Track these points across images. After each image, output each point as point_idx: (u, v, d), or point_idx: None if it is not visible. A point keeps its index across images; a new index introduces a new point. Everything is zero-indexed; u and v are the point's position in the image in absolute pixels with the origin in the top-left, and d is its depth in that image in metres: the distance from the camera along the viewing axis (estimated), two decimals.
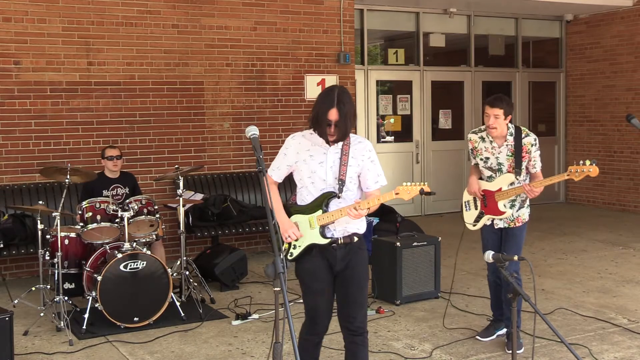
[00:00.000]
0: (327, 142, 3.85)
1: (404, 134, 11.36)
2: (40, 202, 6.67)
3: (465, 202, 5.51)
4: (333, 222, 3.87)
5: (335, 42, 9.44)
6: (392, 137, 11.35)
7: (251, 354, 5.24)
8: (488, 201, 5.31)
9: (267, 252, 8.91)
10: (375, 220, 8.43)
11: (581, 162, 4.92)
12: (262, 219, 8.28)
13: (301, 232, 3.91)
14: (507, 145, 5.23)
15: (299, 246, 3.94)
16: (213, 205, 8.07)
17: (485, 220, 5.36)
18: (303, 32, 9.21)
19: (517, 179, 5.22)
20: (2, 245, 6.91)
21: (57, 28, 7.82)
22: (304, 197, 3.95)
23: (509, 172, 5.24)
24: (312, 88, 9.29)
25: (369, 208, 3.82)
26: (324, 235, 3.90)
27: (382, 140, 11.18)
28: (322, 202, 3.88)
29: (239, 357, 5.21)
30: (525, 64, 12.42)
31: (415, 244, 6.54)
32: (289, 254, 3.99)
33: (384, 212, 8.81)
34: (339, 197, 3.88)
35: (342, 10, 9.44)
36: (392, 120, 11.29)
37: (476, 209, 5.42)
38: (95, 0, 7.98)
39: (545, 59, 12.85)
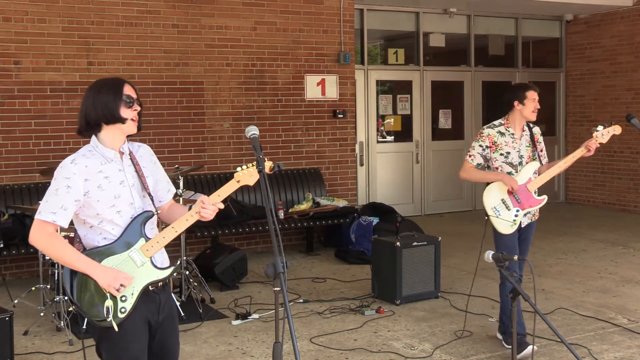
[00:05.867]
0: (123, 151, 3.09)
1: (404, 134, 11.35)
2: (40, 202, 6.67)
3: (493, 208, 5.05)
4: (161, 249, 3.05)
5: (335, 42, 9.44)
6: (392, 137, 11.36)
7: (251, 354, 5.24)
8: (520, 196, 5.05)
9: (267, 252, 8.91)
10: (375, 220, 8.42)
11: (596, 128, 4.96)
12: (262, 219, 8.28)
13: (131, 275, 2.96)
14: (525, 135, 5.19)
15: (132, 294, 2.95)
16: None
17: (523, 215, 5.09)
18: (303, 32, 9.21)
19: (541, 164, 5.17)
20: (2, 245, 6.91)
21: (57, 28, 7.82)
22: (108, 234, 2.99)
23: (528, 162, 5.14)
24: (312, 88, 9.29)
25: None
26: (158, 267, 3.03)
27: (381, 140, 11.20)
28: (139, 227, 3.01)
29: (239, 357, 5.21)
30: (525, 63, 12.42)
31: (415, 244, 6.54)
32: (120, 311, 2.93)
33: (384, 212, 8.81)
34: (157, 212, 3.13)
35: (342, 10, 9.44)
36: (392, 120, 11.30)
37: (508, 209, 5.05)
38: (95, 0, 7.98)
39: (545, 58, 12.85)
